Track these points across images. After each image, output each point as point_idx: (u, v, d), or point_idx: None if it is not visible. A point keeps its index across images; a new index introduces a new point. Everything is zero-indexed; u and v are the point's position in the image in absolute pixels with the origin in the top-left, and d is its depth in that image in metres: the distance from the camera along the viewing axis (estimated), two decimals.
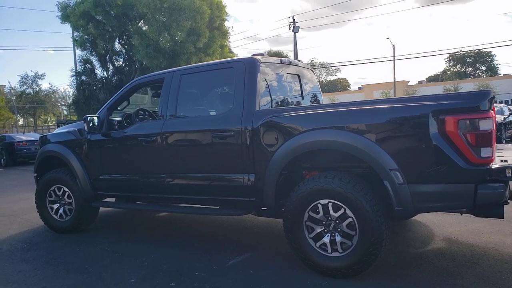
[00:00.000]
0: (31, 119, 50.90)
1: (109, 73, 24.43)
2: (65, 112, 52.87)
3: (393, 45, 41.94)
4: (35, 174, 5.45)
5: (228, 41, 22.35)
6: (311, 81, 4.86)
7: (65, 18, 20.72)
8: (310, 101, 4.76)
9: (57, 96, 51.08)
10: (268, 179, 3.56)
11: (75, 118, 27.97)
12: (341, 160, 3.47)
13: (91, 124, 4.54)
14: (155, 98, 5.58)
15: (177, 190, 4.19)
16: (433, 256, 3.68)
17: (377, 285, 3.13)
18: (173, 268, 3.74)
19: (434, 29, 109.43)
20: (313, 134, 3.32)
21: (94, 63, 24.20)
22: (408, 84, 52.72)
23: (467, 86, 43.30)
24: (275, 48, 58.69)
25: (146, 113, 5.11)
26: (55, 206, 5.16)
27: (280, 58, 4.32)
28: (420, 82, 60.52)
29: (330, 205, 3.26)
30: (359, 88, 60.87)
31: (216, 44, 19.71)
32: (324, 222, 3.33)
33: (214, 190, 3.99)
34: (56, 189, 5.11)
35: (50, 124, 49.49)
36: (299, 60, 4.71)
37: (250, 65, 3.85)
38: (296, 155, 3.41)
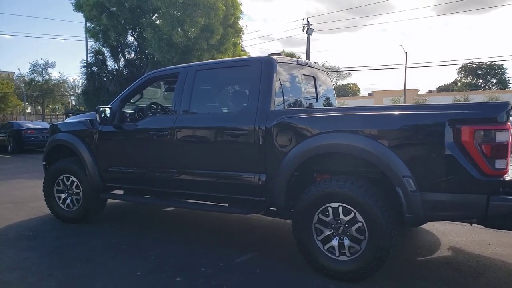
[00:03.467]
0: (39, 108, 51.22)
1: (120, 65, 24.54)
2: (74, 102, 53.12)
3: (406, 53, 41.81)
4: (44, 163, 5.49)
5: (241, 39, 22.33)
6: (326, 84, 4.86)
7: (78, 7, 20.80)
8: (324, 104, 4.75)
9: (66, 86, 51.36)
10: (280, 179, 3.56)
11: (83, 109, 28.09)
12: (353, 165, 3.47)
13: (103, 115, 4.56)
14: (168, 93, 5.61)
15: (187, 185, 4.20)
16: (439, 265, 3.67)
17: None
18: (179, 263, 3.76)
19: (449, 39, 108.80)
20: (327, 137, 3.32)
21: (105, 54, 24.36)
22: (418, 93, 52.44)
23: (477, 97, 42.98)
24: (287, 49, 58.60)
25: (159, 107, 5.13)
26: (63, 195, 5.20)
27: (296, 59, 4.33)
28: (430, 91, 60.13)
29: (340, 208, 3.26)
30: (369, 94, 60.61)
31: (229, 42, 19.70)
32: (333, 225, 3.33)
33: (223, 188, 3.99)
34: (64, 178, 5.14)
35: (58, 114, 49.74)
36: (315, 62, 4.70)
37: (267, 64, 3.85)
38: (309, 157, 3.42)
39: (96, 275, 3.52)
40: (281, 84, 3.95)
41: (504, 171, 2.84)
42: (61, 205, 5.20)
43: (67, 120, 5.67)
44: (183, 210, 5.86)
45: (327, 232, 3.36)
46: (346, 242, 3.27)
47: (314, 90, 4.61)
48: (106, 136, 4.78)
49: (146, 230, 4.90)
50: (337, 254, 3.31)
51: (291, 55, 42.21)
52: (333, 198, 3.27)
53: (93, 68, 24.65)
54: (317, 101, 4.64)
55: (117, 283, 3.35)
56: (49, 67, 45.39)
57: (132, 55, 24.96)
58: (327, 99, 4.87)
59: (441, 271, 3.51)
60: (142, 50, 23.51)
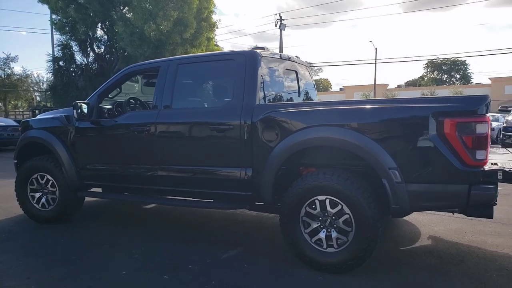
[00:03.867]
0: (0, 104, 48.94)
1: (89, 60, 23.81)
2: (38, 98, 51.05)
3: (375, 49, 42.71)
4: (15, 161, 5.25)
5: (214, 34, 22.14)
6: (306, 78, 4.88)
7: None
8: (305, 99, 4.77)
9: (29, 81, 49.26)
10: (267, 173, 3.56)
11: (49, 105, 27.10)
12: (338, 158, 3.51)
13: (80, 111, 4.40)
14: (146, 87, 5.49)
15: (171, 182, 4.13)
16: (421, 254, 3.78)
17: (370, 280, 3.19)
18: (165, 260, 3.71)
19: (415, 35, 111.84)
20: (314, 131, 3.34)
21: (73, 48, 23.56)
22: (388, 88, 53.68)
23: (443, 92, 44.44)
24: (260, 44, 58.64)
25: (138, 102, 5.01)
26: (37, 194, 4.99)
27: (279, 53, 4.32)
28: (399, 86, 61.74)
29: (327, 201, 3.30)
30: (340, 89, 61.55)
31: (203, 36, 19.52)
32: (320, 218, 3.37)
33: (209, 183, 3.95)
34: (39, 177, 4.94)
35: (22, 110, 47.67)
36: (296, 57, 4.71)
37: (252, 58, 3.83)
38: (296, 151, 3.43)
39: (78, 276, 3.40)
40: (264, 79, 3.94)
41: (484, 161, 2.95)
42: (35, 205, 5.00)
43: (39, 117, 5.43)
44: (163, 207, 5.77)
45: (315, 225, 3.39)
46: (334, 234, 3.31)
47: (296, 84, 4.62)
48: (84, 133, 4.62)
49: (127, 229, 4.80)
50: (325, 246, 3.35)
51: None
52: (320, 191, 3.30)
53: (61, 63, 23.79)
54: (299, 95, 4.66)
55: (102, 284, 3.26)
56: (11, 61, 43.39)
57: (102, 49, 24.28)
58: (308, 93, 4.90)
59: (423, 260, 3.62)
60: (112, 44, 22.89)
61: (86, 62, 23.70)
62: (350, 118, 3.25)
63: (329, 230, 3.35)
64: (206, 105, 4.32)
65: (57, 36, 24.36)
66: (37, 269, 3.58)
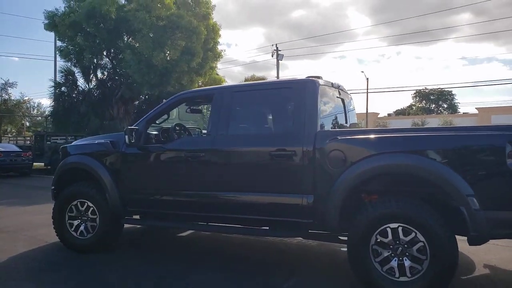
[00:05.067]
0: None
1: (91, 86, 23.87)
2: (27, 124, 50.57)
3: (367, 78, 43.58)
4: (53, 187, 5.14)
5: (217, 63, 22.51)
6: (351, 106, 4.94)
7: (51, 27, 20.19)
8: (351, 125, 4.81)
9: (25, 107, 49.00)
10: (333, 201, 3.52)
11: (49, 130, 26.89)
12: (403, 185, 3.51)
13: (133, 136, 4.36)
14: (189, 113, 5.50)
15: (226, 208, 4.07)
16: (486, 283, 3.74)
17: None
18: None
19: (402, 67, 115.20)
20: (387, 158, 3.35)
21: (75, 74, 23.67)
22: (378, 116, 54.54)
23: (433, 121, 45.32)
24: (249, 73, 59.59)
25: (183, 128, 5.00)
26: (76, 222, 4.85)
27: (331, 82, 4.38)
28: (389, 114, 62.77)
29: (400, 229, 3.27)
30: None
31: (208, 65, 19.79)
32: (391, 246, 3.32)
33: (266, 210, 3.90)
34: (79, 203, 4.82)
35: (11, 136, 47.05)
36: (339, 85, 4.78)
37: (311, 86, 3.88)
38: (367, 178, 3.42)
39: None
40: (322, 106, 3.97)
41: None
42: (73, 232, 4.85)
43: (77, 143, 5.36)
44: (199, 234, 5.65)
45: (386, 254, 3.33)
46: (407, 262, 3.26)
47: (343, 111, 4.67)
48: (132, 158, 4.57)
49: (171, 258, 4.65)
50: (397, 275, 3.28)
51: (262, 79, 42.95)
52: (392, 219, 3.27)
53: (63, 88, 23.85)
54: (346, 122, 4.70)
55: None
56: (9, 87, 43.26)
57: (105, 76, 24.42)
58: (354, 123, 4.95)
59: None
60: (116, 71, 23.07)
61: (88, 88, 23.81)
62: (425, 144, 3.28)
63: (401, 258, 3.29)
64: (264, 132, 4.30)
65: (60, 63, 24.57)
66: None
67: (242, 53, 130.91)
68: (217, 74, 24.95)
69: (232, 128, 4.15)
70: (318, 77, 4.13)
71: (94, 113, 21.62)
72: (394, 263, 3.30)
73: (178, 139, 4.54)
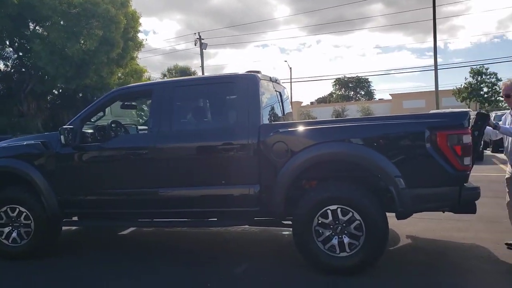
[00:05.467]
0: None
1: None
2: None
3: (290, 68, 45.29)
4: None
5: (138, 53, 21.65)
6: (285, 96, 5.21)
7: None
8: (286, 116, 5.09)
9: None
10: (278, 189, 3.76)
11: None
12: (340, 170, 3.87)
13: (68, 136, 4.17)
14: (123, 109, 5.36)
15: (173, 203, 4.11)
16: (409, 252, 4.30)
17: (375, 279, 3.55)
18: (186, 283, 3.70)
19: (322, 55, 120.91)
20: (326, 147, 3.67)
21: None
22: (302, 105, 56.89)
23: (352, 107, 48.65)
24: (170, 63, 58.00)
25: (119, 125, 4.88)
26: (6, 229, 4.52)
27: (269, 76, 4.59)
28: (311, 103, 65.69)
29: (339, 210, 3.61)
30: None
31: (129, 56, 18.97)
32: (332, 226, 3.66)
33: (214, 202, 4.03)
34: (9, 210, 4.50)
35: None
36: (276, 79, 5.03)
37: (253, 81, 4.05)
38: (310, 165, 3.70)
39: None
40: (263, 99, 4.18)
41: (469, 166, 3.53)
42: (4, 241, 4.52)
43: (3, 144, 4.94)
44: (141, 232, 5.60)
45: (327, 233, 3.67)
46: (346, 239, 3.62)
47: (281, 104, 4.93)
48: (68, 159, 4.37)
49: (128, 257, 4.58)
50: (338, 251, 3.64)
51: (186, 69, 42.12)
52: (332, 201, 3.61)
53: None
54: (283, 113, 4.97)
55: None
56: None
57: (9, 68, 22.18)
58: (289, 112, 5.24)
59: (414, 256, 4.13)
60: (23, 62, 21.05)
61: None
62: (358, 133, 3.65)
63: (340, 236, 3.65)
64: (208, 127, 4.39)
65: None
66: None
67: (161, 41, 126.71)
68: (138, 64, 24.07)
69: (176, 123, 4.18)
70: (258, 72, 4.31)
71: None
72: (334, 241, 3.64)
73: (116, 137, 4.45)
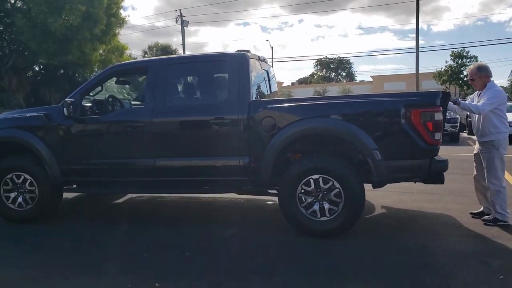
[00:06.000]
0: None
1: None
2: None
3: (272, 47, 45.31)
4: None
5: (120, 30, 21.40)
6: (272, 75, 5.53)
7: None
8: (272, 93, 5.42)
9: None
10: (266, 161, 4.12)
11: None
12: (320, 144, 4.24)
13: (70, 109, 4.41)
14: (118, 85, 5.59)
15: (168, 173, 4.44)
16: (384, 218, 4.76)
17: (354, 241, 3.98)
18: (178, 242, 4.06)
19: (303, 35, 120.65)
20: (311, 122, 4.02)
21: None
22: (283, 85, 57.12)
23: (333, 89, 49.17)
24: (149, 39, 56.82)
25: (116, 100, 5.12)
26: (12, 194, 4.81)
27: (257, 55, 4.89)
28: (292, 83, 65.92)
29: (320, 179, 4.00)
30: None
31: (112, 32, 18.78)
32: (313, 194, 4.05)
33: (207, 172, 4.37)
34: (14, 177, 4.76)
35: None
36: (264, 58, 5.33)
37: (243, 59, 4.35)
38: (295, 139, 4.06)
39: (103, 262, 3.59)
40: (252, 77, 4.48)
41: (439, 141, 3.96)
42: (11, 205, 4.80)
43: (3, 116, 5.13)
44: (135, 200, 5.92)
45: (309, 200, 4.06)
46: (326, 205, 4.02)
47: (268, 82, 5.25)
48: (69, 130, 4.63)
49: (123, 221, 4.93)
50: (319, 216, 4.04)
51: (167, 47, 41.66)
52: (315, 171, 3.99)
53: None
54: (270, 92, 5.30)
55: (127, 264, 3.52)
56: None
57: None
58: (275, 91, 5.57)
59: (387, 222, 4.61)
60: (3, 37, 20.56)
61: None
62: (340, 110, 4.01)
63: (321, 203, 4.05)
64: (201, 102, 4.68)
65: None
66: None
67: (140, 18, 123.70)
68: (119, 41, 23.80)
69: (170, 99, 4.47)
70: (247, 51, 4.60)
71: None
72: (316, 206, 4.04)
73: (114, 111, 4.71)
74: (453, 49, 34.58)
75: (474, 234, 4.10)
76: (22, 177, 4.75)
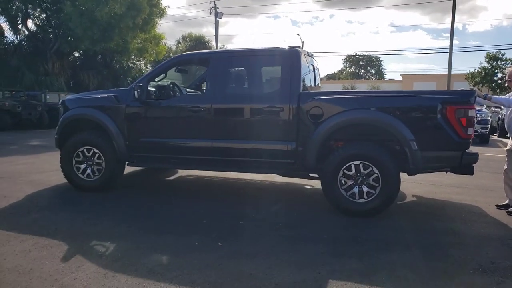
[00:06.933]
0: None
1: (21, 38, 22.29)
2: None
3: (302, 42, 45.20)
4: (56, 136, 5.68)
5: (160, 19, 22.20)
6: (317, 70, 6.01)
7: None
8: (316, 86, 5.91)
9: None
10: (312, 146, 4.63)
11: None
12: (362, 133, 4.70)
13: (140, 92, 5.05)
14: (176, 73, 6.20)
15: (223, 153, 5.02)
16: (414, 206, 5.20)
17: (389, 221, 4.44)
18: (230, 213, 4.64)
19: (334, 31, 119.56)
20: (356, 113, 4.51)
21: (1, 23, 21.91)
22: None
23: (362, 86, 48.87)
24: (179, 29, 57.43)
25: (176, 86, 5.73)
26: (82, 166, 5.50)
27: (306, 51, 5.38)
28: (321, 79, 65.51)
29: (361, 165, 4.49)
30: None
31: (153, 21, 19.59)
32: (354, 178, 4.54)
33: (257, 154, 4.92)
34: (85, 150, 5.46)
35: None
36: (311, 54, 5.81)
37: (295, 54, 4.86)
38: (340, 128, 4.55)
39: (168, 223, 4.20)
40: (302, 71, 4.99)
41: (472, 135, 4.37)
42: (80, 175, 5.50)
43: (78, 96, 5.84)
44: (184, 178, 6.56)
45: (349, 183, 4.56)
46: (365, 189, 4.51)
47: (313, 76, 5.74)
48: (137, 111, 5.27)
49: (174, 195, 5.56)
50: (357, 198, 4.53)
51: (200, 37, 42.51)
52: (356, 158, 4.48)
53: None
54: (315, 85, 5.79)
55: (191, 228, 4.12)
56: None
57: (36, 29, 22.82)
58: (319, 83, 6.06)
59: (417, 209, 5.03)
60: (50, 23, 21.70)
61: (18, 39, 22.19)
62: (383, 103, 4.48)
63: (360, 186, 4.54)
64: (255, 92, 5.22)
65: None
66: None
67: (171, 8, 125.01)
68: (156, 31, 24.64)
69: (229, 87, 5.03)
70: (298, 47, 5.10)
71: (27, 67, 20.43)
72: (355, 189, 4.54)
73: (176, 96, 5.32)
74: (488, 51, 33.84)
75: (498, 222, 4.51)
76: (92, 150, 5.44)
